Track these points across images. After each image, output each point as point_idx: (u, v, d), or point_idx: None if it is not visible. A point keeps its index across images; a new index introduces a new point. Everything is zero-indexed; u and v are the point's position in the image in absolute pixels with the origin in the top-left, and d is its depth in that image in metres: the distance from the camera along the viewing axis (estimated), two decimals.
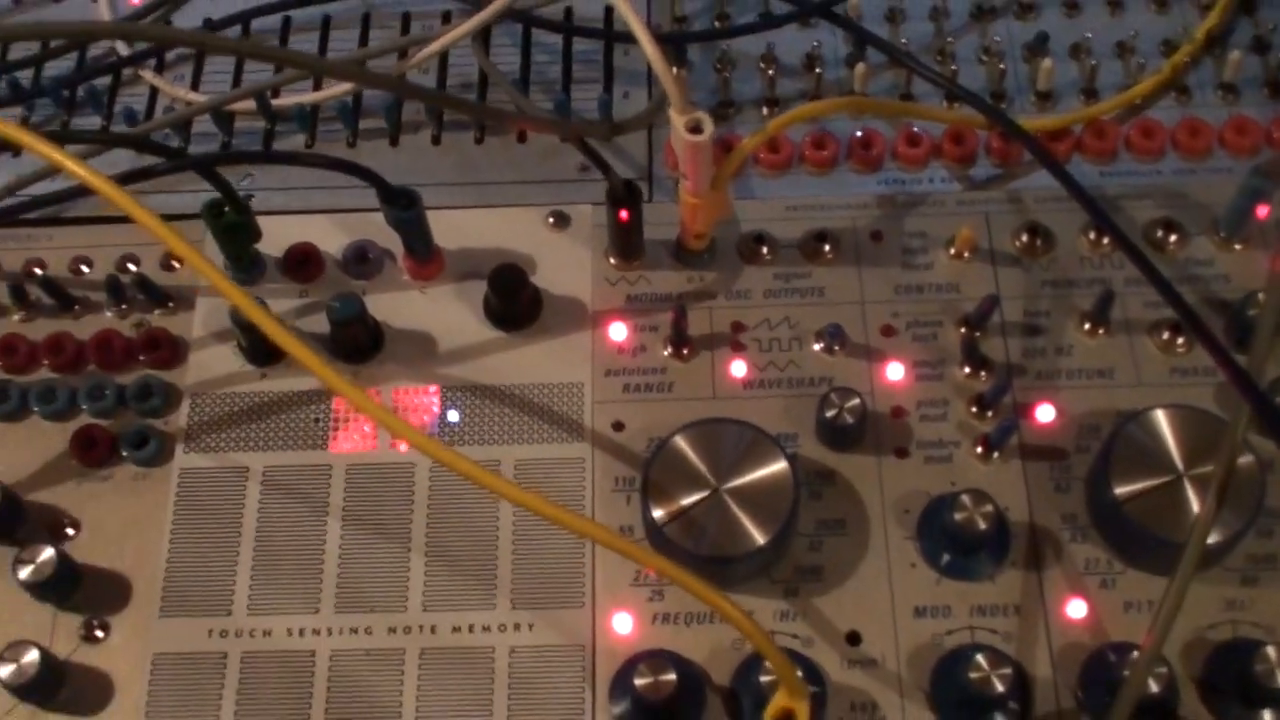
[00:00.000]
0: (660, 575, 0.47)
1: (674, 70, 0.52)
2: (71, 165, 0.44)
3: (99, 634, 0.54)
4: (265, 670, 0.53)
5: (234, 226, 0.56)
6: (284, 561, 0.55)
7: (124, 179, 0.56)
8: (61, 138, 0.59)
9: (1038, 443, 0.55)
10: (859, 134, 0.63)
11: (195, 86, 0.67)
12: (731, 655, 0.52)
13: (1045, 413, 0.56)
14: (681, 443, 0.53)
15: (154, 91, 0.68)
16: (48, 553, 0.53)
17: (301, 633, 0.53)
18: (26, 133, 0.45)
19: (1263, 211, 0.58)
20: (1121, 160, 0.63)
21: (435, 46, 0.63)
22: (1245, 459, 0.51)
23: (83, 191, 0.61)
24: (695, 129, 0.52)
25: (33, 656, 0.51)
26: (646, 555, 0.46)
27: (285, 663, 0.53)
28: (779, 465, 0.52)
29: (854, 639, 0.52)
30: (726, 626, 0.52)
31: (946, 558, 0.53)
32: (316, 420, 0.57)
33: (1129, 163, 0.63)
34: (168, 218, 0.50)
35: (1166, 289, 0.54)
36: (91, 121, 0.67)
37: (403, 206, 0.56)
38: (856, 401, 0.54)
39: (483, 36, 0.66)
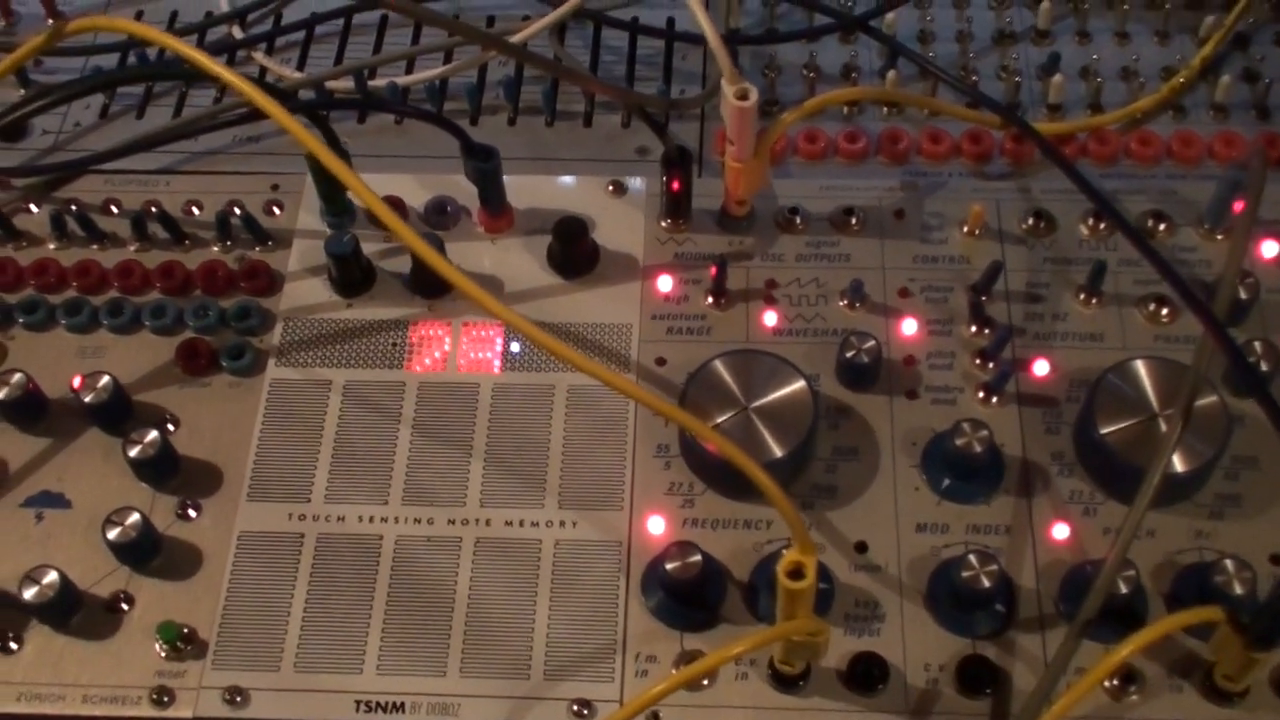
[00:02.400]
0: (692, 431, 0.53)
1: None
2: (241, 83, 0.53)
3: (191, 513, 0.61)
4: (337, 550, 0.59)
5: (330, 174, 0.64)
6: (359, 460, 0.62)
7: (243, 118, 0.64)
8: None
9: (1033, 391, 0.62)
10: (890, 130, 0.71)
11: (300, 66, 0.76)
12: (752, 556, 0.59)
13: (1041, 367, 0.63)
14: (719, 366, 0.60)
15: (263, 71, 0.76)
16: (153, 434, 0.60)
17: (371, 520, 0.60)
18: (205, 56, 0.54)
19: (1238, 205, 0.65)
20: (1121, 165, 0.70)
21: (523, 35, 0.71)
22: (1210, 398, 0.57)
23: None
24: (743, 96, 0.60)
25: (135, 519, 0.58)
26: (683, 415, 0.53)
27: (355, 545, 0.60)
28: (801, 388, 0.59)
29: (861, 548, 0.59)
30: (749, 532, 0.59)
31: (947, 482, 0.60)
32: (394, 345, 0.65)
33: (1128, 167, 0.70)
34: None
35: (1153, 256, 0.60)
36: (206, 96, 0.76)
37: (482, 159, 0.64)
38: (872, 343, 0.61)
39: (558, 32, 0.74)
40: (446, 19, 0.68)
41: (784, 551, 0.55)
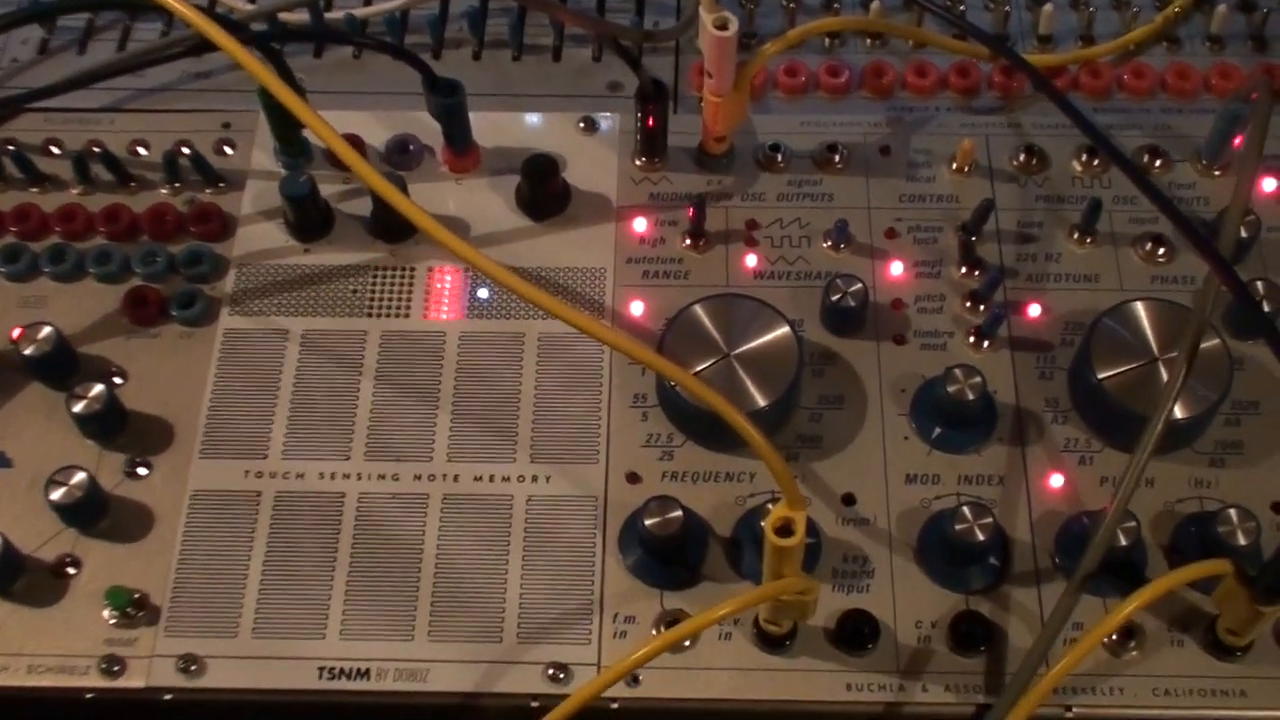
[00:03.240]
0: (672, 379, 0.50)
1: None
2: (190, 13, 0.49)
3: (141, 471, 0.57)
4: (297, 510, 0.56)
5: (286, 110, 0.60)
6: (318, 413, 0.58)
7: (192, 49, 0.60)
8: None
9: (1026, 335, 0.60)
10: (874, 63, 0.68)
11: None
12: (734, 510, 0.56)
13: (1034, 309, 0.60)
14: (699, 311, 0.57)
15: (213, 2, 0.72)
16: (99, 388, 0.57)
17: (332, 476, 0.57)
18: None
19: (1238, 140, 0.62)
20: (1115, 99, 0.67)
21: None
22: (1213, 342, 0.55)
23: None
24: (722, 25, 0.57)
25: (80, 478, 0.55)
26: (663, 362, 0.50)
27: (316, 503, 0.56)
28: (784, 334, 0.56)
29: (848, 500, 0.56)
30: (730, 485, 0.56)
31: (937, 431, 0.57)
32: (355, 291, 0.61)
33: (1121, 101, 0.67)
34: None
35: (1154, 193, 0.58)
36: (153, 25, 0.71)
37: (446, 94, 0.61)
38: (859, 286, 0.58)
39: None
40: None
41: (769, 506, 0.53)
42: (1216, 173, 0.64)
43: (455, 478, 0.57)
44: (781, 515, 0.46)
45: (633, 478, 0.57)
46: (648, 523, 0.53)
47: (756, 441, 0.46)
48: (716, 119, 0.61)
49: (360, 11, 0.70)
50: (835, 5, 0.70)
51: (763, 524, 0.51)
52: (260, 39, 0.58)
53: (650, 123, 0.62)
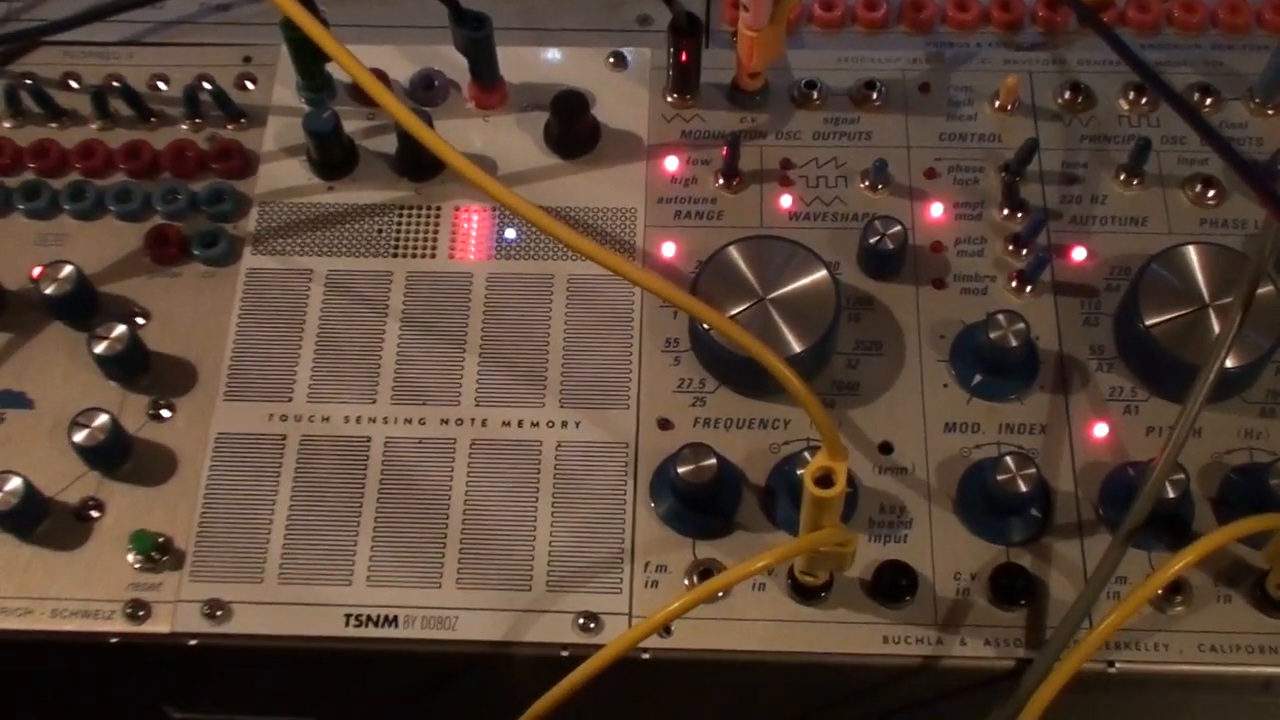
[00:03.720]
0: (704, 319, 0.48)
1: None
2: None
3: (165, 413, 0.56)
4: (322, 453, 0.55)
5: (310, 41, 0.59)
6: (344, 356, 0.57)
7: None
8: None
9: (1070, 280, 0.58)
10: None
11: None
12: (768, 458, 0.54)
13: (1078, 253, 0.58)
14: (733, 253, 0.55)
15: None
16: (120, 329, 0.55)
17: (358, 420, 0.56)
18: None
19: None
20: (1163, 34, 0.65)
21: None
22: (1267, 288, 0.53)
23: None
24: None
25: (103, 420, 0.54)
26: (696, 304, 0.48)
27: (342, 447, 0.55)
28: (822, 278, 0.54)
29: (886, 449, 0.55)
30: (764, 432, 0.55)
31: (977, 378, 0.55)
32: (379, 231, 0.60)
33: (1170, 36, 0.65)
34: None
35: (1209, 132, 0.56)
36: None
37: (473, 27, 0.59)
38: (898, 229, 0.56)
39: None
40: None
41: (805, 455, 0.52)
42: (1270, 112, 0.61)
43: (483, 422, 0.56)
44: (822, 465, 0.45)
45: (664, 424, 0.55)
46: (681, 470, 0.52)
47: (796, 387, 0.45)
48: (751, 54, 0.59)
49: None
50: None
51: (801, 473, 0.50)
52: None
53: (683, 58, 0.60)
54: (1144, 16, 0.65)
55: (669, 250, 0.59)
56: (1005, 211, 0.59)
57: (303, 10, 0.50)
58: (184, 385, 0.57)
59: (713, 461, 0.51)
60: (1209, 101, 0.62)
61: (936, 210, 0.59)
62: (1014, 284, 0.57)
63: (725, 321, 0.47)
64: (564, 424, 0.56)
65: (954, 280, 0.58)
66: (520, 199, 0.48)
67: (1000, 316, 0.54)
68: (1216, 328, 0.53)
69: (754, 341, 0.46)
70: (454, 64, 0.62)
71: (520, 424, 0.56)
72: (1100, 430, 0.55)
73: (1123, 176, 0.60)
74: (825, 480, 0.45)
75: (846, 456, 0.45)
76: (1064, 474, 0.54)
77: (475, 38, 0.59)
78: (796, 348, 0.53)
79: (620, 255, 0.49)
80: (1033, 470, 0.51)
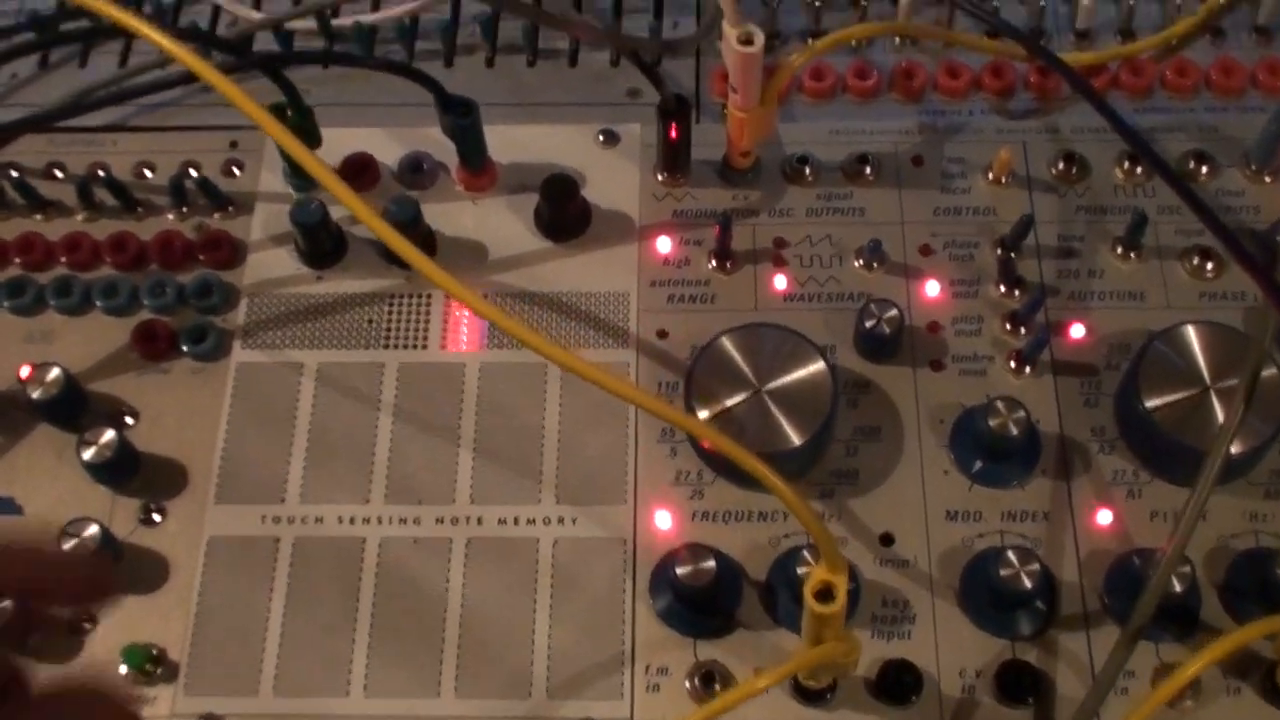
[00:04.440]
0: (711, 446, 0.47)
1: None
2: (179, 51, 0.46)
3: (156, 517, 0.56)
4: (316, 555, 0.54)
5: (296, 130, 0.58)
6: (336, 453, 0.56)
7: (189, 77, 0.57)
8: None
9: (1069, 359, 0.57)
10: (904, 64, 0.65)
11: (257, 6, 0.69)
12: (768, 552, 0.54)
13: (1077, 330, 0.57)
14: (726, 344, 0.54)
15: (216, 10, 0.69)
16: (109, 434, 0.55)
17: (352, 521, 0.55)
18: (135, 17, 0.47)
19: None
20: (1156, 98, 0.64)
21: None
22: (1270, 371, 0.52)
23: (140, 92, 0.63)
24: (747, 40, 0.54)
25: (93, 531, 0.53)
26: (700, 426, 0.47)
27: (336, 549, 0.55)
28: (819, 369, 0.54)
29: (887, 540, 0.54)
30: (764, 525, 0.54)
31: (978, 465, 0.55)
32: (370, 321, 0.59)
33: (1164, 100, 0.64)
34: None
35: (1200, 207, 0.55)
36: None
37: (460, 114, 0.58)
38: (895, 312, 0.56)
39: None
40: None
41: (804, 553, 0.51)
42: (1267, 179, 0.61)
43: (479, 520, 0.55)
44: (822, 579, 0.44)
45: (662, 519, 0.55)
46: (680, 572, 0.51)
47: (795, 505, 0.44)
48: (742, 134, 0.59)
49: (368, 18, 0.67)
50: (861, 3, 0.67)
51: (801, 571, 0.50)
52: (264, 63, 0.56)
53: (673, 139, 0.59)
54: (1137, 81, 0.64)
55: (663, 335, 0.58)
56: (1002, 288, 0.58)
57: (273, 120, 0.48)
58: (175, 487, 0.56)
59: (711, 564, 0.51)
60: (1204, 170, 0.61)
61: (933, 289, 0.59)
62: (1013, 364, 0.57)
63: (726, 440, 0.46)
64: (560, 520, 0.55)
65: (952, 361, 0.57)
66: (499, 312, 0.47)
67: (1000, 404, 0.53)
68: (1218, 411, 0.53)
69: (753, 460, 0.45)
70: (443, 145, 0.62)
71: (516, 521, 0.55)
72: (1104, 517, 0.54)
73: (1120, 250, 0.59)
74: (826, 594, 0.44)
75: (846, 568, 0.44)
76: (1068, 563, 0.53)
77: (462, 125, 0.58)
78: (796, 440, 0.53)
79: (615, 376, 0.47)
80: (1036, 566, 0.50)
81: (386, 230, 0.47)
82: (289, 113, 0.58)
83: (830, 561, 0.44)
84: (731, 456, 0.45)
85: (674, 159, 0.61)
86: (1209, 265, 0.58)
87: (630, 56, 0.59)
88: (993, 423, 0.53)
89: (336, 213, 0.60)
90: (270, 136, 0.58)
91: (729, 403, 0.53)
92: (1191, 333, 0.54)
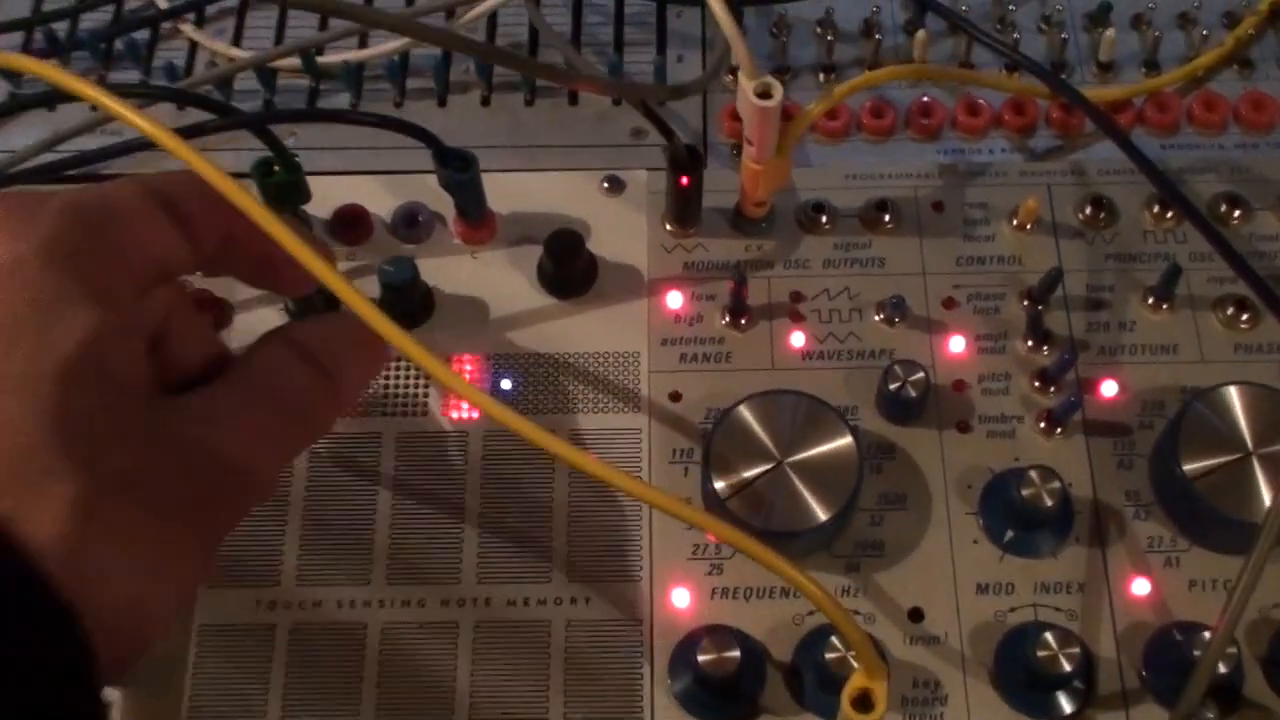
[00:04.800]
0: (728, 543, 0.45)
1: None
2: (131, 115, 0.42)
3: None
4: (315, 643, 0.52)
5: (284, 186, 0.55)
6: (333, 531, 0.53)
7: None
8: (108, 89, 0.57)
9: (1101, 418, 0.55)
10: (921, 101, 0.62)
11: (237, 42, 0.66)
12: (792, 631, 0.51)
13: (1109, 388, 0.55)
14: (745, 413, 0.52)
15: (194, 47, 0.66)
16: None
17: (352, 604, 0.52)
18: (85, 83, 0.43)
19: None
20: (1183, 134, 0.62)
21: (487, 4, 0.61)
22: None
23: (117, 152, 0.59)
24: (764, 94, 0.51)
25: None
26: (715, 523, 0.45)
27: (335, 635, 0.52)
28: (843, 440, 0.51)
29: (916, 615, 0.52)
30: (786, 601, 0.52)
31: (1010, 534, 0.52)
32: (367, 387, 0.56)
33: (1191, 136, 0.62)
34: None
35: (1234, 258, 0.53)
36: (129, 76, 0.65)
37: (458, 169, 0.55)
38: (921, 375, 0.53)
39: None
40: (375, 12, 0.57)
41: (833, 639, 0.48)
42: None
43: (486, 601, 0.52)
44: (859, 685, 0.42)
45: (680, 597, 0.52)
46: (701, 659, 0.48)
47: (827, 607, 0.41)
48: (756, 186, 0.56)
49: (356, 55, 0.64)
50: (875, 36, 0.64)
51: (829, 656, 0.48)
52: (247, 124, 0.52)
53: (683, 191, 0.56)
54: (1163, 116, 0.61)
55: (676, 398, 0.56)
56: (1030, 343, 0.56)
57: (253, 201, 0.44)
58: None
59: (736, 654, 0.48)
60: (1236, 214, 0.58)
61: (957, 345, 0.56)
62: (1042, 425, 0.54)
63: (755, 544, 0.43)
64: (573, 600, 0.52)
65: (979, 422, 0.55)
66: (498, 404, 0.43)
67: (1034, 474, 0.51)
68: (1260, 477, 0.50)
69: (788, 565, 0.42)
70: (439, 193, 0.58)
71: (526, 602, 0.52)
72: (1141, 587, 0.52)
73: (1151, 300, 0.57)
74: (864, 701, 0.42)
75: (886, 673, 0.42)
76: (1105, 637, 0.51)
77: (460, 180, 0.55)
78: (821, 516, 0.50)
79: (626, 474, 0.44)
80: (1077, 649, 0.48)
81: (376, 316, 0.43)
82: (276, 169, 0.55)
83: (868, 665, 0.42)
84: (756, 557, 0.42)
85: (684, 209, 0.58)
86: (1244, 316, 0.56)
87: (639, 107, 0.56)
88: (1026, 493, 0.51)
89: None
90: (258, 192, 0.55)
91: (749, 475, 0.51)
92: (1233, 394, 0.51)
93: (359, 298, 0.42)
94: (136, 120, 0.41)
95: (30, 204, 0.38)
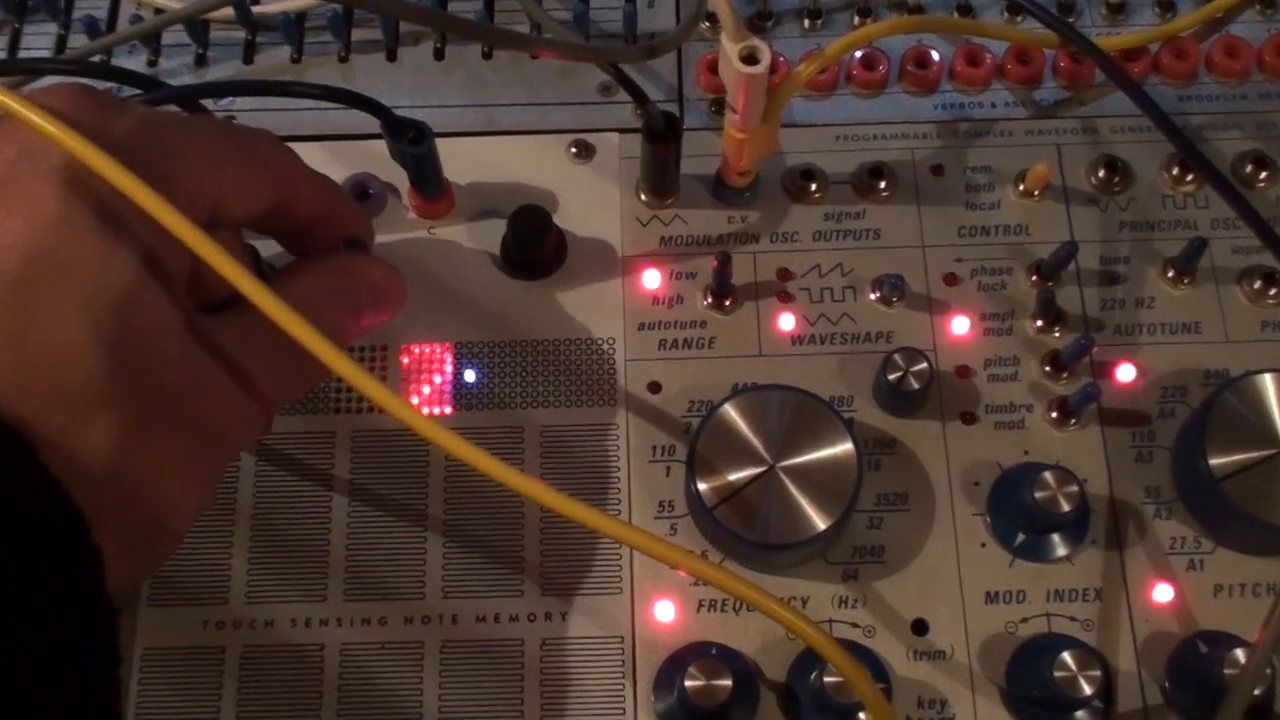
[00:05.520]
0: (729, 594, 0.41)
1: None
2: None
3: None
4: (268, 666, 0.47)
5: None
6: (284, 543, 0.49)
7: None
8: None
9: (1118, 406, 0.50)
10: (916, 50, 0.57)
11: None
12: (785, 647, 0.47)
13: (1126, 372, 0.51)
14: (731, 413, 0.47)
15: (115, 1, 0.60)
16: None
17: (307, 623, 0.48)
18: None
19: None
20: (1202, 82, 0.57)
21: None
22: None
23: None
24: (750, 59, 0.46)
25: None
26: (703, 566, 0.41)
27: (290, 658, 0.48)
28: (839, 438, 0.47)
29: (920, 628, 0.48)
30: None
31: (1020, 537, 0.48)
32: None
33: (1210, 85, 0.57)
34: None
35: (1261, 227, 0.49)
36: (47, 31, 0.59)
37: (411, 141, 0.49)
38: (924, 365, 0.49)
39: None
40: None
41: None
42: None
43: (454, 619, 0.48)
44: None
45: (664, 610, 0.48)
46: (689, 686, 0.44)
47: (836, 658, 0.37)
48: (740, 155, 0.51)
49: (295, 4, 0.58)
50: None
51: (828, 680, 0.44)
52: (175, 97, 0.47)
53: (661, 163, 0.51)
54: (1181, 64, 0.56)
55: (655, 389, 0.51)
56: (1040, 323, 0.51)
57: (172, 212, 0.39)
58: None
59: (726, 682, 0.44)
60: (1263, 175, 0.54)
61: (961, 326, 0.51)
62: (1055, 415, 0.50)
63: (752, 590, 0.39)
64: (548, 616, 0.48)
65: (985, 412, 0.50)
66: (466, 444, 0.39)
67: (1049, 476, 0.46)
68: None
69: (794, 617, 0.38)
70: (392, 163, 0.53)
71: (497, 618, 0.48)
72: (1163, 593, 0.48)
73: (1171, 274, 0.52)
74: None
75: None
76: (1124, 648, 0.47)
77: (414, 153, 0.50)
78: (820, 525, 0.46)
79: (609, 516, 0.40)
80: (1097, 671, 0.44)
81: (299, 326, 0.39)
82: None
83: (877, 715, 0.38)
84: (754, 604, 0.38)
85: (661, 178, 0.53)
86: (1272, 290, 0.52)
87: (611, 69, 0.50)
88: (1039, 496, 0.46)
89: (267, 252, 0.52)
90: None
91: (738, 482, 0.46)
92: (1268, 383, 0.47)
93: (286, 311, 0.38)
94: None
95: (109, 104, 0.38)
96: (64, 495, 0.34)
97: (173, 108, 0.47)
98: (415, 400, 0.51)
